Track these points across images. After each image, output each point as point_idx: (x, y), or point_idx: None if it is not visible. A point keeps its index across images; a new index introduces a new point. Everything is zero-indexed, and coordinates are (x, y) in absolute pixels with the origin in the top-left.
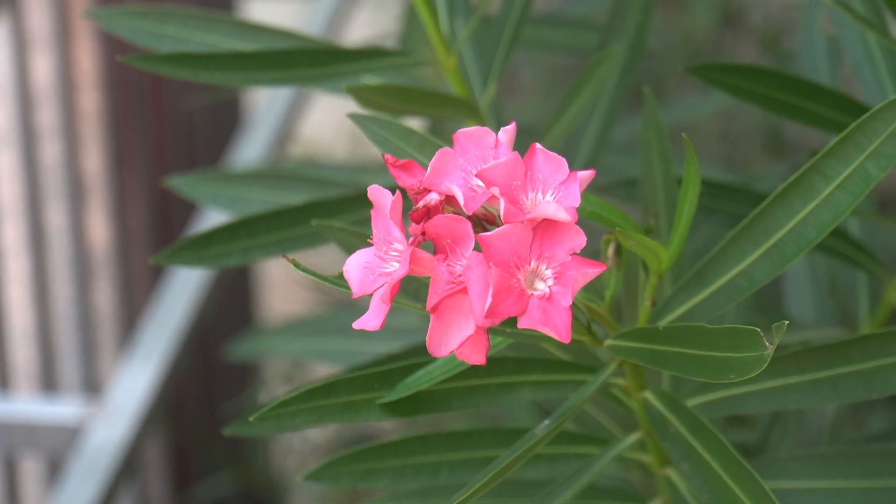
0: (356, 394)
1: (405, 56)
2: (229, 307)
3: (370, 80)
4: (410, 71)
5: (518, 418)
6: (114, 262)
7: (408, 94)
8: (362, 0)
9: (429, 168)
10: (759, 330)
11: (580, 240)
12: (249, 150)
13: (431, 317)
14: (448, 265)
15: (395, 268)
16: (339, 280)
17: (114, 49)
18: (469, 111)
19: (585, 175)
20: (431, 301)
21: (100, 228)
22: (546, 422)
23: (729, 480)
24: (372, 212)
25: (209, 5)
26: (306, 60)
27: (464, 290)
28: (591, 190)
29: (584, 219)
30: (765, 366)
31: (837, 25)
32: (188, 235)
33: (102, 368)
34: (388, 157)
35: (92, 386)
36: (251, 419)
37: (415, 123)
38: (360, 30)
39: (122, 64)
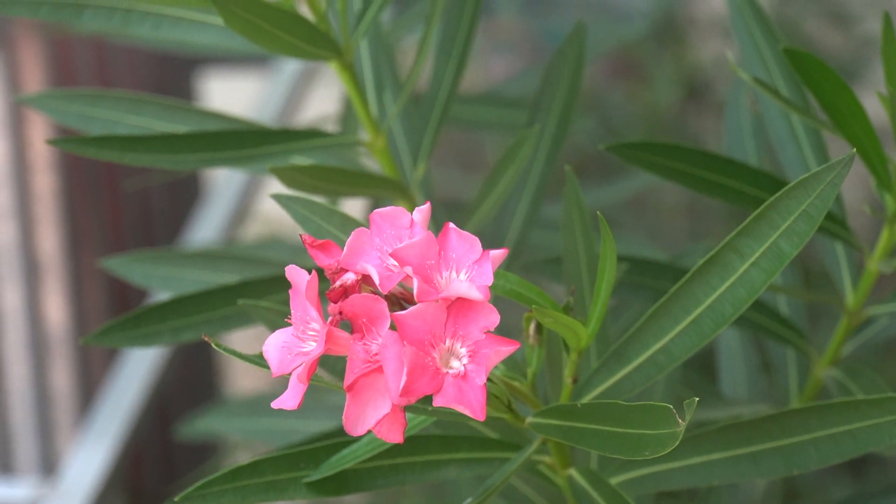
0: (282, 473)
1: (333, 137)
2: (191, 384)
3: (299, 160)
4: (345, 151)
5: (464, 493)
6: (70, 341)
7: (332, 174)
8: (317, 77)
9: (345, 248)
10: (671, 407)
11: (493, 318)
12: (206, 227)
13: (348, 396)
14: (364, 344)
15: (313, 347)
16: (260, 359)
17: (67, 132)
18: (398, 190)
19: (498, 254)
20: (348, 380)
21: (56, 308)
22: (469, 500)
23: None
24: (290, 291)
25: (166, 82)
26: (233, 142)
27: (380, 369)
28: (517, 268)
29: (503, 296)
30: (677, 442)
31: (761, 104)
32: (119, 317)
33: (59, 448)
34: (306, 237)
35: (49, 465)
36: (176, 500)
37: (357, 206)
38: (317, 106)
39: None
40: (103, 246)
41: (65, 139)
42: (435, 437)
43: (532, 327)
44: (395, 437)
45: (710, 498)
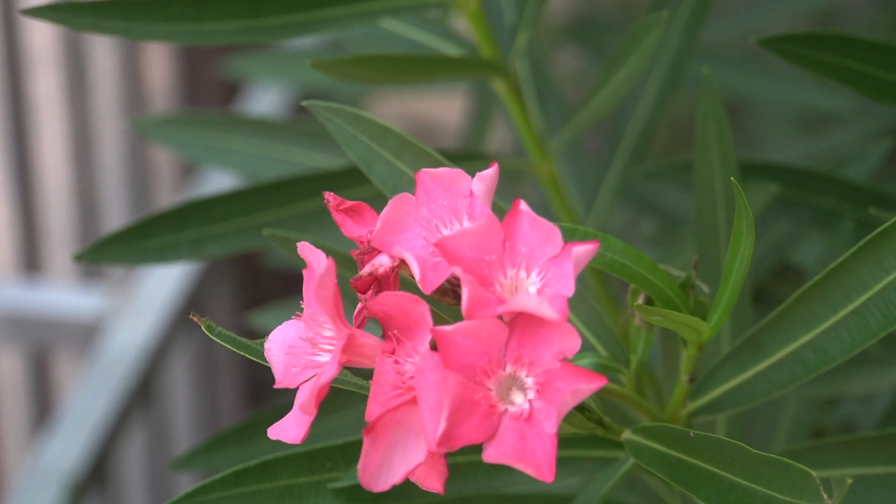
0: (301, 475)
1: None
2: None
3: (388, 24)
4: (434, 13)
5: None
6: (175, 104)
7: (394, 62)
8: None
9: (380, 221)
10: (812, 473)
11: (573, 342)
12: None
13: (366, 436)
14: (396, 361)
15: (325, 361)
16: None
17: None
18: (489, 69)
19: (584, 251)
20: (371, 413)
21: (159, 72)
22: None
23: None
24: (304, 273)
25: None
26: (279, 5)
27: (414, 401)
28: (642, 174)
29: (605, 271)
30: None
31: None
32: (122, 226)
33: None
34: (330, 196)
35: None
36: None
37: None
38: None
39: None
40: None
41: (47, 7)
42: None
43: (641, 300)
44: (433, 485)
45: None
